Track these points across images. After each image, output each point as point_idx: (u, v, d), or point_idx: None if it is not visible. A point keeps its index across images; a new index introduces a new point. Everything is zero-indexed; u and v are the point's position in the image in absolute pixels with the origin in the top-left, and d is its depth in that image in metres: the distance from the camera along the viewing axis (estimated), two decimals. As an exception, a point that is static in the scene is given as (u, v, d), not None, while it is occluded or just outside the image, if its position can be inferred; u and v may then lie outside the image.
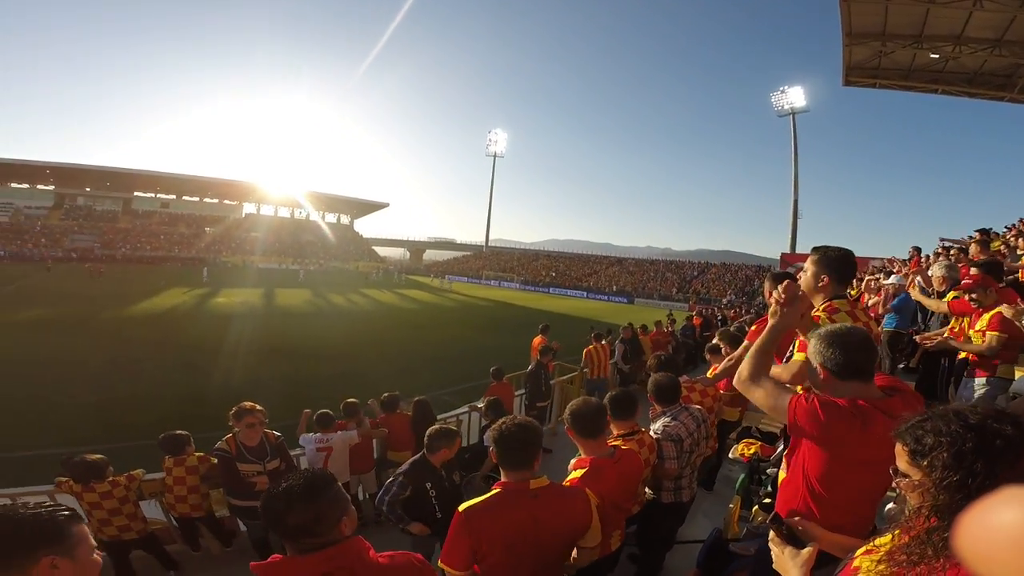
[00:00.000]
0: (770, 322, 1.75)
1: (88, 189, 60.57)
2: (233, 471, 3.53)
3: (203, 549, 4.09)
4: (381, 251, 77.40)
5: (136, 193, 63.30)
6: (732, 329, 5.52)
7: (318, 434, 4.37)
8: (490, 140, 75.80)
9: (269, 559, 1.31)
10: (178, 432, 3.84)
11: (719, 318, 15.48)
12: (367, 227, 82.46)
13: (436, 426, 3.47)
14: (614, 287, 50.00)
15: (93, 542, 1.13)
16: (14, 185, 56.36)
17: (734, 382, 1.70)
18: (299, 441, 4.44)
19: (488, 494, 1.80)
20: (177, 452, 3.75)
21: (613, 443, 2.43)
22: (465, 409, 6.12)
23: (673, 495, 2.87)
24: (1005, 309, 3.24)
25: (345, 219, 78.84)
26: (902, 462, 0.98)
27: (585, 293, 49.70)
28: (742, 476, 3.78)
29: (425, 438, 3.18)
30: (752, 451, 3.57)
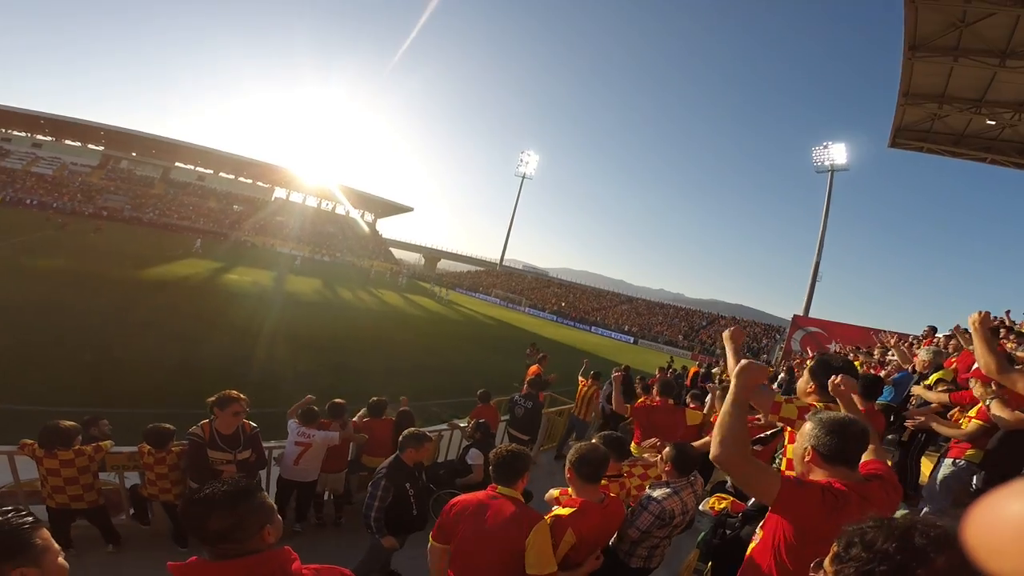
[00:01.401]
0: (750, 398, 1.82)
1: (134, 154, 62.41)
2: (202, 457, 3.51)
3: (150, 524, 4.05)
4: (397, 253, 78.12)
5: (176, 164, 65.00)
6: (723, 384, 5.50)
7: (301, 428, 4.36)
8: (521, 160, 76.68)
9: (187, 560, 1.33)
10: (165, 426, 3.79)
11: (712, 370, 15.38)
12: (388, 228, 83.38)
13: (410, 428, 3.63)
14: (625, 327, 49.72)
15: (57, 547, 1.15)
16: (68, 142, 58.64)
17: (718, 454, 1.63)
18: (287, 425, 4.45)
19: (474, 493, 2.27)
20: (160, 446, 3.72)
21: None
22: (445, 427, 6.08)
23: (643, 562, 2.73)
24: (995, 405, 3.30)
25: (369, 217, 79.92)
26: (827, 557, 1.00)
27: (591, 327, 49.51)
28: (706, 530, 3.74)
29: (399, 438, 3.46)
30: (723, 506, 3.52)
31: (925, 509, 3.75)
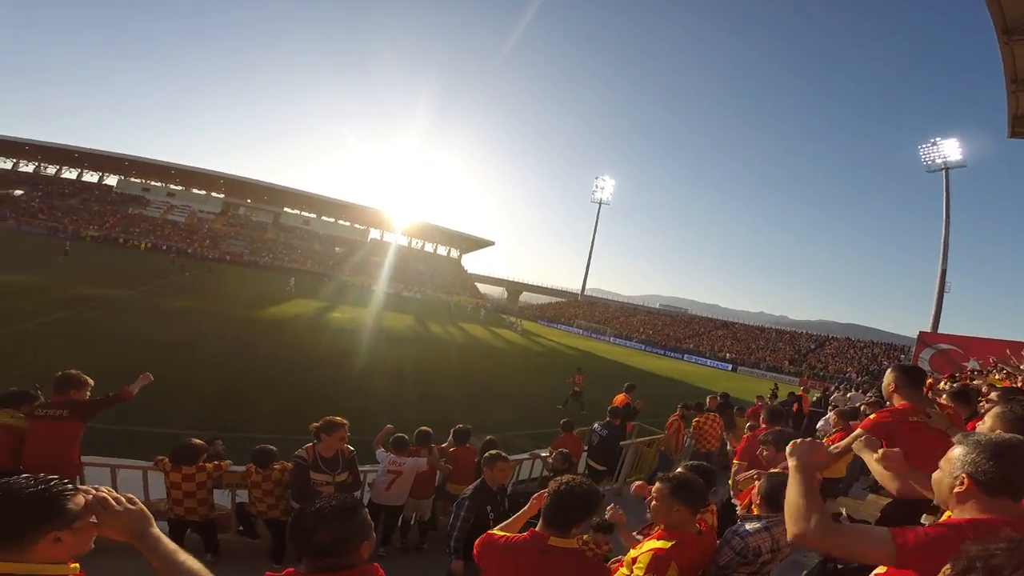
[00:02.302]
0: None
1: (249, 201, 70.99)
2: (305, 479, 3.75)
3: (259, 537, 4.38)
4: (481, 287, 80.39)
5: (285, 209, 72.96)
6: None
7: (392, 455, 4.55)
8: (596, 186, 76.39)
9: (285, 572, 1.41)
10: (268, 448, 4.11)
11: (830, 395, 13.80)
12: (472, 263, 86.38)
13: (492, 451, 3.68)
14: (725, 354, 46.69)
15: (89, 511, 1.19)
16: (194, 191, 68.17)
17: (796, 534, 1.44)
18: (376, 455, 4.66)
19: (518, 535, 1.97)
20: (264, 465, 4.02)
21: None
22: (527, 456, 6.05)
23: None
24: None
25: (455, 253, 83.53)
26: None
27: (683, 355, 47.04)
28: (812, 566, 3.31)
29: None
30: None
31: None
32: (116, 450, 4.44)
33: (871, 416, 2.73)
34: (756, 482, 2.81)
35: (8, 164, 60.98)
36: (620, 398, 7.69)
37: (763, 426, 4.31)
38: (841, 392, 14.26)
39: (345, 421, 3.88)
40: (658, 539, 2.13)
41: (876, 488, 4.18)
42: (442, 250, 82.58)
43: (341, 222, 76.29)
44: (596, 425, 6.24)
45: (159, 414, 7.86)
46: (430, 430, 5.03)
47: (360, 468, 4.36)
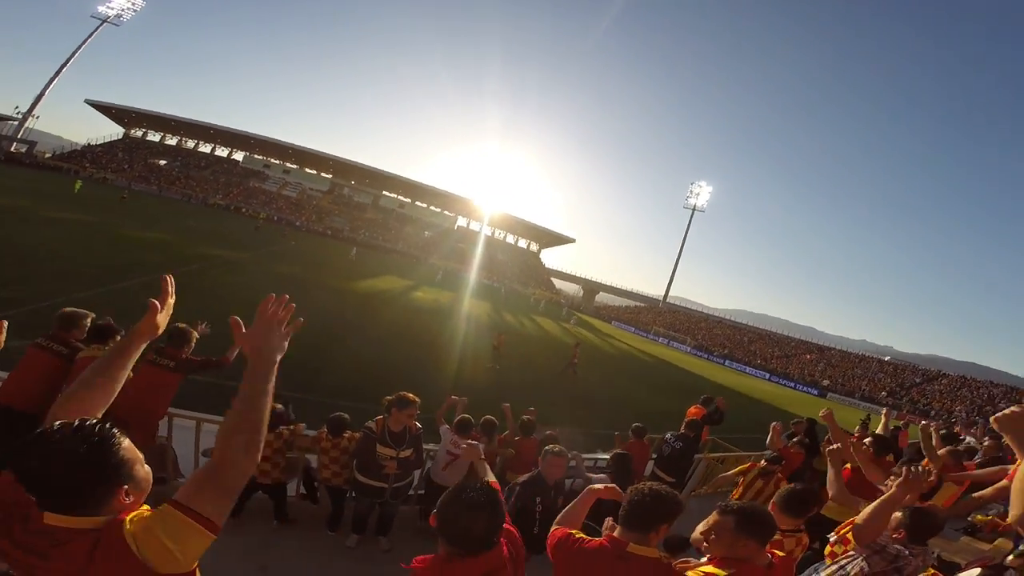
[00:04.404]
0: None
1: (353, 182, 76.11)
2: (371, 450, 3.84)
3: (319, 503, 4.49)
4: (557, 283, 79.98)
5: (384, 192, 77.22)
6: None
7: (454, 437, 4.55)
8: (691, 191, 72.83)
9: (432, 558, 1.48)
10: (342, 416, 4.20)
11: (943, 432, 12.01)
12: (550, 258, 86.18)
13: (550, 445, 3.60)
14: (813, 378, 42.99)
15: (140, 455, 1.22)
16: (307, 170, 74.33)
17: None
18: (439, 429, 4.70)
19: (594, 539, 1.86)
20: (336, 433, 4.13)
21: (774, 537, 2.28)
22: (587, 456, 5.87)
23: None
24: None
25: (534, 247, 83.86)
26: None
27: (768, 375, 43.76)
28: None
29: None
30: None
31: None
32: (205, 404, 4.67)
33: None
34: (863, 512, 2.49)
35: (156, 137, 70.25)
36: (694, 410, 7.25)
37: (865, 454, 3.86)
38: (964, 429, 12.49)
39: (417, 399, 3.90)
40: (714, 565, 1.91)
41: (971, 531, 3.67)
42: (522, 242, 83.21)
43: (433, 208, 79.29)
44: (669, 435, 5.94)
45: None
46: (495, 420, 5.02)
47: (424, 445, 4.44)
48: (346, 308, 17.66)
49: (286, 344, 1.35)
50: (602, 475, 4.60)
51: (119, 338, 3.76)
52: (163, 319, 1.49)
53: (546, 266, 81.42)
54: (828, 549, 2.61)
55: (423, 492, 4.67)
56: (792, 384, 41.77)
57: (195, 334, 4.02)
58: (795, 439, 6.55)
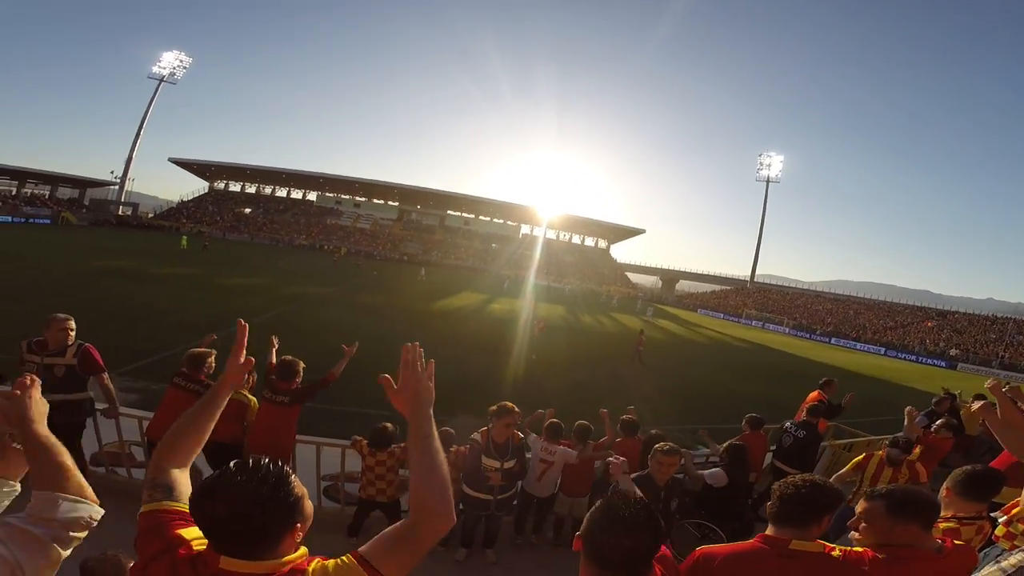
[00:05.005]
0: None
1: (419, 207, 79.35)
2: (477, 463, 3.82)
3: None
4: (633, 277, 77.70)
5: (449, 212, 79.74)
6: None
7: (545, 443, 4.35)
8: (760, 164, 68.08)
9: None
10: (387, 425, 4.11)
11: None
12: (621, 252, 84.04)
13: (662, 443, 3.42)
14: (937, 347, 38.21)
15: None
16: (375, 200, 78.40)
17: None
18: (528, 440, 4.41)
19: (739, 543, 1.72)
20: (379, 445, 4.04)
21: (947, 525, 2.23)
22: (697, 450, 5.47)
23: None
24: None
25: (602, 243, 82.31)
26: None
27: (884, 349, 39.50)
28: None
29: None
30: None
31: None
32: (321, 429, 4.93)
33: None
34: None
35: (237, 187, 76.90)
36: (814, 395, 6.55)
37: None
38: None
39: (515, 408, 3.85)
40: (878, 550, 1.71)
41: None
42: (590, 241, 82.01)
43: (496, 220, 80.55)
44: (788, 424, 5.39)
45: (358, 394, 8.64)
46: (590, 426, 4.69)
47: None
48: (422, 329, 18.19)
49: (432, 389, 1.34)
50: (716, 470, 4.25)
51: (266, 389, 4.18)
52: (242, 367, 1.51)
53: (618, 262, 79.53)
54: (1001, 530, 2.15)
55: (515, 503, 4.54)
56: (914, 357, 37.60)
57: (300, 367, 4.20)
58: (938, 422, 5.64)
